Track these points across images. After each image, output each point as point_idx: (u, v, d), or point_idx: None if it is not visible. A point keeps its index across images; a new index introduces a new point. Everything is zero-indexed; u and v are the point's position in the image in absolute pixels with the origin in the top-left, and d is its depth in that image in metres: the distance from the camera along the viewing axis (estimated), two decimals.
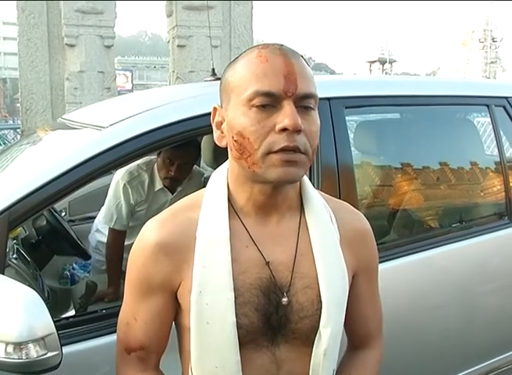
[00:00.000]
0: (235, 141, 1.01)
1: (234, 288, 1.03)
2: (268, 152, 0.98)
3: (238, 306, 1.04)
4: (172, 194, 2.76)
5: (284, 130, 0.96)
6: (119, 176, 2.66)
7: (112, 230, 2.67)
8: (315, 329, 1.07)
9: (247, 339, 1.06)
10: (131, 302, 1.13)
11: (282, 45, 1.03)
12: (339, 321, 1.11)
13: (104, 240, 2.87)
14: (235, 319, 1.03)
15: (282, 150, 0.97)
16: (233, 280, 1.03)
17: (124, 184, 2.63)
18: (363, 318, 1.23)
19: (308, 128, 0.99)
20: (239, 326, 1.03)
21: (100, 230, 2.97)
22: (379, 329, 1.28)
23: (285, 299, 1.06)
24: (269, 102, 0.98)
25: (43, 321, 1.18)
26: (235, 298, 1.03)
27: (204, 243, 1.06)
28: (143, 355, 1.13)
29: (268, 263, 1.06)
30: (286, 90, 0.97)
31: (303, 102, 0.99)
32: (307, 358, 1.09)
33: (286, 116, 0.96)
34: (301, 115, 0.98)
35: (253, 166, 1.00)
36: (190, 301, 1.04)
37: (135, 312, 1.12)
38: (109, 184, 2.75)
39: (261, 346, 1.08)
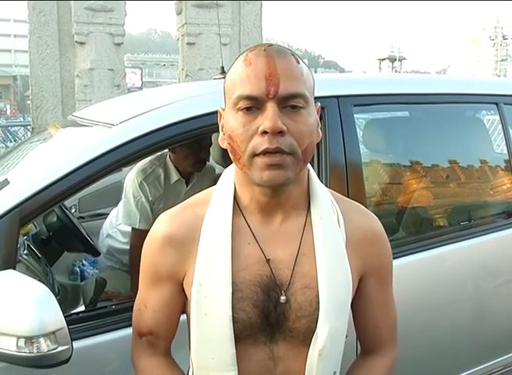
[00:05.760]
0: (228, 143, 1.04)
1: (233, 283, 1.05)
2: (253, 155, 0.99)
3: (235, 301, 1.05)
4: (187, 185, 2.73)
5: (266, 132, 0.97)
6: (134, 174, 2.60)
7: (137, 231, 2.54)
8: (313, 329, 1.08)
9: (244, 334, 1.07)
10: (143, 290, 1.18)
11: (270, 45, 1.02)
12: (339, 323, 1.09)
13: (117, 245, 2.85)
14: (231, 313, 1.05)
15: (265, 152, 0.97)
16: (233, 275, 1.05)
17: (141, 181, 2.57)
18: (372, 322, 1.21)
19: (296, 128, 0.99)
20: (235, 321, 1.05)
21: (111, 235, 2.90)
22: (392, 337, 1.24)
23: (283, 297, 1.07)
24: (253, 105, 0.98)
25: (54, 316, 1.20)
26: (233, 292, 1.05)
27: (207, 238, 1.08)
28: (152, 340, 1.18)
29: (268, 261, 1.07)
30: (267, 92, 0.97)
31: (289, 102, 0.99)
32: (304, 357, 1.10)
33: (266, 118, 0.97)
34: (288, 115, 0.98)
35: (243, 167, 1.02)
36: (191, 292, 1.08)
37: (146, 300, 1.16)
38: (119, 181, 2.74)
39: (259, 342, 1.10)
